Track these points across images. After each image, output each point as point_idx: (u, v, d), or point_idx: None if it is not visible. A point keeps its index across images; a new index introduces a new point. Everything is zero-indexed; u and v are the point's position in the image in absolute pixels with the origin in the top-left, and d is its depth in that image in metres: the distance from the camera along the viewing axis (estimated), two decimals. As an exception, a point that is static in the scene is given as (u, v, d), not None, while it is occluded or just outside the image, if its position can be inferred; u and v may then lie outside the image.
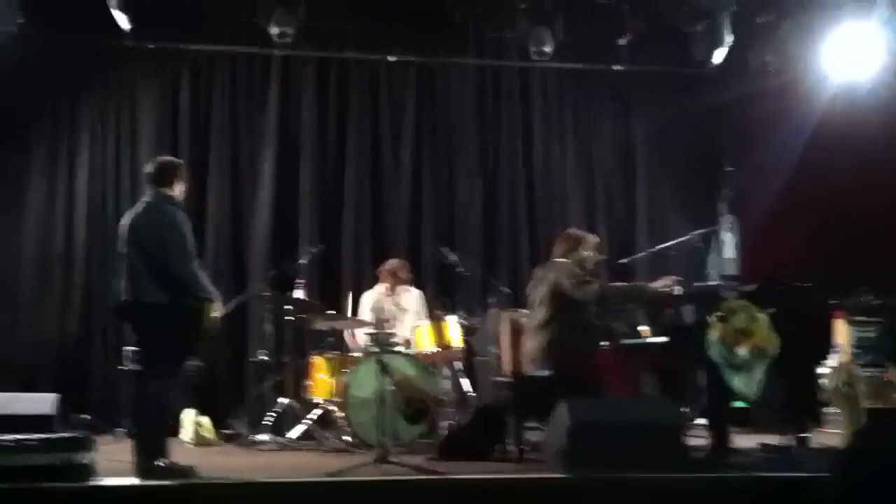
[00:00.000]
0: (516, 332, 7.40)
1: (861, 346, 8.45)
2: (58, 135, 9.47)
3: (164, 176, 6.03)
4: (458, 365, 8.12)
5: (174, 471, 5.59)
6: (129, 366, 8.34)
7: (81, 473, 5.22)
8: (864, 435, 2.73)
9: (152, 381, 5.73)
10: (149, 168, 6.13)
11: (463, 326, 7.91)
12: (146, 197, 6.02)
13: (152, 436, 5.70)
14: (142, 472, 5.56)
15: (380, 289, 8.49)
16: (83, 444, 5.30)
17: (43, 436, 5.32)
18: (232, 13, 9.51)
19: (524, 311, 7.46)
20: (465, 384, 8.11)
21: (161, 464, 5.59)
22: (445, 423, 7.38)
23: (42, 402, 6.90)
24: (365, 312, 8.43)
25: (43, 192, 9.38)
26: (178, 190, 6.07)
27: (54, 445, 5.23)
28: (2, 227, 9.31)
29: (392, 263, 8.53)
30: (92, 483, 5.28)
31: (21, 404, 6.88)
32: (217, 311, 5.92)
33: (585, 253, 6.78)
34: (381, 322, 8.29)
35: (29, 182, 9.37)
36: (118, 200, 9.37)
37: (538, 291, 6.71)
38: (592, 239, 6.90)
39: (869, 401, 2.82)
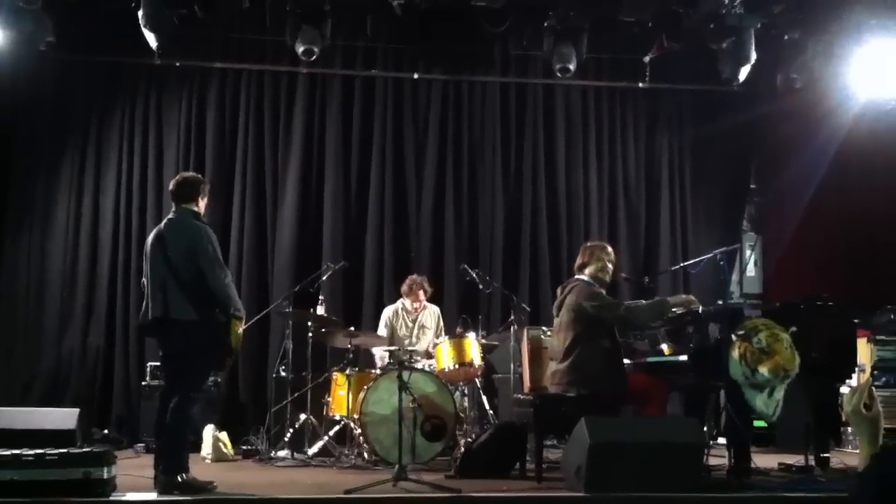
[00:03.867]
0: (537, 349, 7.38)
1: (878, 367, 8.39)
2: (85, 152, 9.60)
3: (188, 192, 6.06)
4: (478, 382, 8.10)
5: (194, 486, 5.63)
6: (152, 381, 8.50)
7: (102, 488, 5.25)
8: (883, 456, 2.68)
9: (177, 397, 5.75)
10: (172, 185, 6.16)
11: (483, 344, 7.90)
12: (171, 214, 6.07)
13: (174, 451, 5.72)
14: (162, 486, 5.60)
15: (399, 305, 8.51)
16: (104, 459, 5.33)
17: (64, 450, 5.35)
18: (258, 31, 9.60)
19: (545, 328, 7.44)
20: (485, 401, 8.10)
21: (182, 479, 5.62)
22: (464, 441, 7.35)
23: (64, 417, 6.97)
24: (381, 327, 8.45)
25: (70, 209, 9.50)
26: (202, 205, 6.13)
27: (75, 460, 5.26)
28: (29, 244, 9.42)
29: (413, 278, 8.56)
30: (112, 498, 5.32)
31: (44, 419, 6.96)
32: (242, 327, 5.97)
33: (603, 261, 6.70)
34: (396, 337, 8.30)
35: (56, 199, 9.50)
36: (143, 217, 9.50)
37: (561, 314, 6.66)
38: (609, 249, 6.86)
39: (887, 421, 2.78)
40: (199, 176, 6.43)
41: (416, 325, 8.41)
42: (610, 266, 6.75)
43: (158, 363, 8.27)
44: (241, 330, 5.92)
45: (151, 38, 8.37)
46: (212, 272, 5.78)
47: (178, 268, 5.78)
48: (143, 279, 6.08)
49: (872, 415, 2.74)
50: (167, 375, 6.17)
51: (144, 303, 5.96)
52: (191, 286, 5.76)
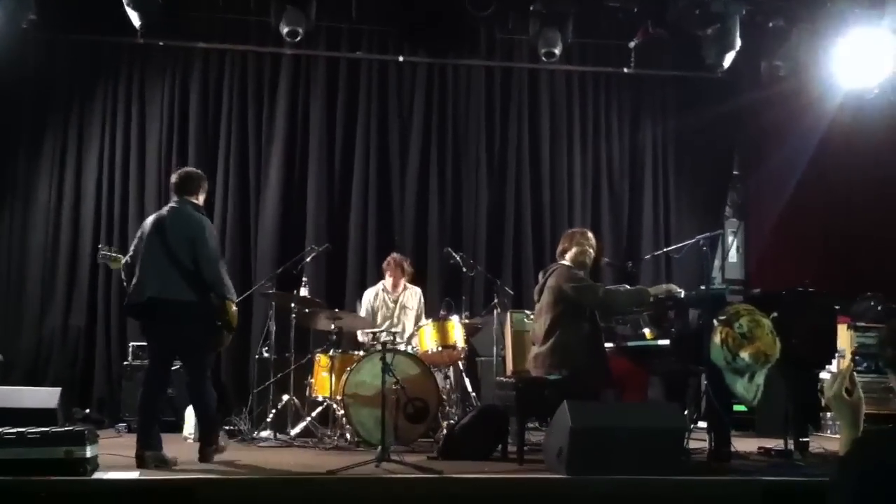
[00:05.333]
0: (519, 332, 7.41)
1: (859, 353, 8.47)
2: (67, 131, 9.53)
3: (190, 185, 6.38)
4: (461, 365, 8.12)
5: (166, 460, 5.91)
6: (134, 361, 8.48)
7: (84, 467, 5.23)
8: (864, 441, 2.71)
9: (190, 378, 6.23)
10: (176, 177, 6.43)
11: (466, 326, 7.91)
12: (173, 203, 6.32)
13: (212, 425, 6.27)
14: (204, 455, 6.11)
15: (380, 286, 8.51)
16: (86, 438, 5.31)
17: (45, 429, 5.33)
18: (243, 11, 9.55)
19: (528, 312, 7.47)
20: (468, 384, 8.12)
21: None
22: (446, 423, 7.38)
23: (46, 396, 6.95)
24: (361, 309, 8.45)
25: (51, 188, 9.44)
26: (202, 199, 6.44)
27: (57, 439, 5.25)
28: (10, 225, 9.36)
29: (397, 255, 8.58)
30: (94, 477, 5.31)
31: (25, 398, 6.93)
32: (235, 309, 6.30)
33: (583, 246, 6.74)
34: (378, 318, 8.31)
35: (38, 179, 9.43)
36: (126, 197, 9.48)
37: (542, 297, 6.70)
38: (590, 235, 6.90)
39: (868, 407, 2.80)
40: (201, 172, 6.72)
41: (398, 305, 8.40)
42: (591, 251, 6.80)
43: (144, 343, 8.32)
44: (235, 310, 6.27)
45: (135, 17, 8.32)
46: (211, 263, 6.11)
47: (178, 254, 6.06)
48: (128, 258, 6.28)
49: (853, 400, 2.76)
50: (159, 355, 6.29)
51: (134, 283, 6.11)
52: (189, 272, 6.05)
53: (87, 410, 8.77)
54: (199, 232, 6.13)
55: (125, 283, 6.30)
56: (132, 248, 6.30)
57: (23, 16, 8.29)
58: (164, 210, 6.34)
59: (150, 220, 6.32)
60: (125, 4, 8.18)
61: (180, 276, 6.02)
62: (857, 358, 8.47)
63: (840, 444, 2.77)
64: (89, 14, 9.17)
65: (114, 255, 6.57)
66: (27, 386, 8.13)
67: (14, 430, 5.23)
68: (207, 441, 6.18)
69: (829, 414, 8.39)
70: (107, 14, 8.75)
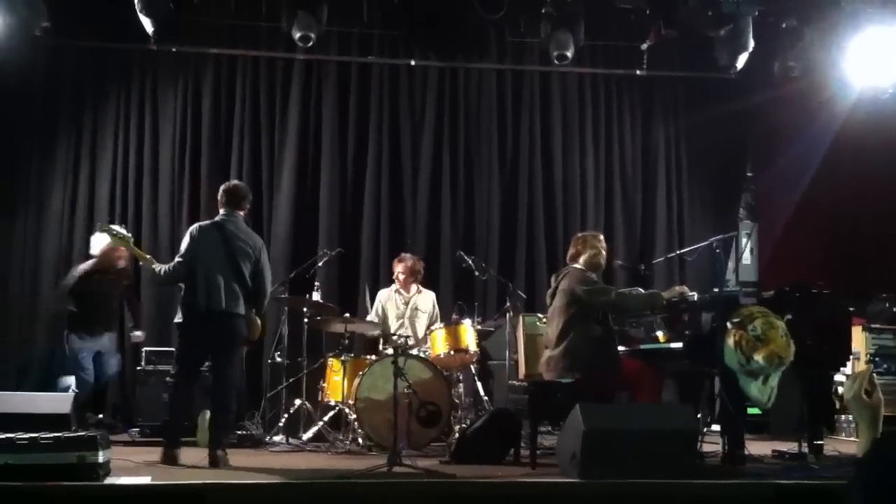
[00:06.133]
0: (532, 336, 7.38)
1: (878, 354, 8.41)
2: (80, 138, 9.55)
3: (239, 199, 6.63)
4: (473, 369, 8.10)
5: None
6: (147, 366, 8.49)
7: (96, 472, 5.23)
8: (882, 442, 2.67)
9: (222, 382, 6.43)
10: (225, 191, 6.63)
11: (479, 330, 7.89)
12: (224, 215, 6.52)
13: (229, 426, 6.72)
14: (221, 461, 6.23)
15: (393, 288, 8.50)
16: (98, 443, 5.31)
17: (58, 434, 5.33)
18: (254, 17, 9.56)
19: (540, 315, 7.44)
20: (480, 388, 8.09)
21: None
22: (459, 427, 7.35)
23: (59, 401, 6.95)
24: (372, 313, 8.43)
25: (65, 194, 9.46)
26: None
27: (70, 444, 5.25)
28: (24, 231, 9.38)
29: (408, 255, 8.57)
30: (107, 482, 5.31)
31: (38, 403, 6.94)
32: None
33: (597, 248, 6.72)
34: (390, 319, 8.30)
35: (51, 185, 9.45)
36: (139, 203, 9.49)
37: (555, 300, 6.69)
38: (601, 237, 6.88)
39: (886, 409, 2.78)
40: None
41: (409, 307, 8.37)
42: (603, 253, 6.79)
43: (157, 349, 8.63)
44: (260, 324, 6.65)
45: (147, 24, 8.33)
46: (269, 284, 6.61)
47: (241, 268, 6.37)
48: (177, 263, 6.45)
49: (873, 401, 2.72)
50: (198, 357, 6.55)
51: (204, 292, 6.32)
52: (244, 285, 6.41)
53: (101, 416, 8.75)
54: (263, 251, 6.55)
55: (172, 283, 6.67)
56: (183, 253, 6.44)
57: (35, 23, 8.32)
58: (218, 220, 6.52)
59: (206, 227, 6.49)
60: (138, 11, 8.19)
61: (240, 290, 6.33)
62: (876, 359, 8.41)
63: (859, 446, 2.73)
64: (101, 20, 9.20)
65: (123, 233, 6.63)
66: (40, 391, 8.14)
67: (27, 436, 5.23)
68: (219, 445, 6.25)
69: (843, 416, 8.34)
70: (118, 20, 8.79)
